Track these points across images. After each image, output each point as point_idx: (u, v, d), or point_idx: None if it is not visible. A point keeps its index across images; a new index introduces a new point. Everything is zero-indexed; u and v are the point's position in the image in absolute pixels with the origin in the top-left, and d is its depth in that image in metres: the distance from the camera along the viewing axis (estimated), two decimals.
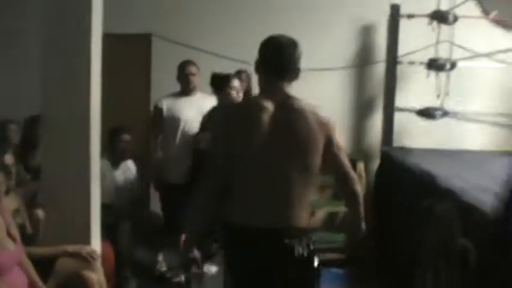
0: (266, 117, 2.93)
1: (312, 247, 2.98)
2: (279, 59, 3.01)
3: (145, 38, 6.79)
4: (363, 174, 6.67)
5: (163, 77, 6.30)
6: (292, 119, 2.94)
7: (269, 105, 2.96)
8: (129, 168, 5.81)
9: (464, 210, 3.82)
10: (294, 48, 3.01)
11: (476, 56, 6.27)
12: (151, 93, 6.72)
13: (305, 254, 2.94)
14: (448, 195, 4.17)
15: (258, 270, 2.92)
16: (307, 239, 2.98)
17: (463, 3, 6.35)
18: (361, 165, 6.70)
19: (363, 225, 3.21)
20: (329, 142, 2.98)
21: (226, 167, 2.98)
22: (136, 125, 6.17)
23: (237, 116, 3.10)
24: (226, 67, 5.68)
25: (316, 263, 3.05)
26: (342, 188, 3.20)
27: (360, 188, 3.16)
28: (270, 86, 3.04)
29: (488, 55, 6.21)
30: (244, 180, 2.97)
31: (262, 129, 2.92)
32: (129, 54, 6.75)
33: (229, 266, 3.09)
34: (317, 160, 2.96)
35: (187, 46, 6.62)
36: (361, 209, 3.19)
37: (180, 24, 6.79)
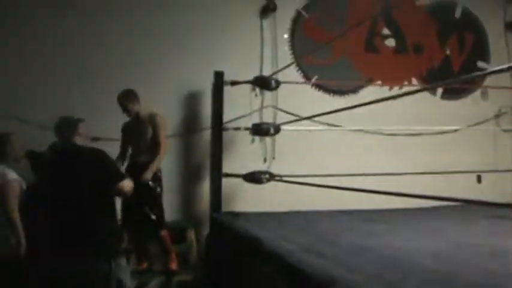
0: None
1: None
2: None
3: None
4: (194, 242, 6.59)
5: None
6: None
7: None
8: None
9: (289, 272, 3.82)
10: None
11: (301, 119, 6.40)
12: None
13: None
14: (274, 258, 4.17)
15: None
16: None
17: (283, 69, 6.56)
18: (191, 233, 6.63)
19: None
20: None
21: None
22: None
23: None
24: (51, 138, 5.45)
25: None
26: None
27: None
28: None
29: (310, 118, 6.34)
30: None
31: None
32: None
33: None
34: None
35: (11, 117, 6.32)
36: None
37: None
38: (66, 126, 4.39)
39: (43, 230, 4.25)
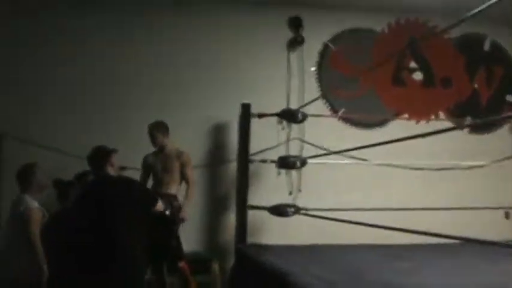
0: None
1: None
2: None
3: None
4: (218, 273, 6.56)
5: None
6: None
7: None
8: None
9: None
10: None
11: (328, 153, 6.37)
12: (3, 194, 6.43)
13: None
14: None
15: None
16: None
17: (310, 102, 6.54)
18: (215, 265, 6.60)
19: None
20: None
21: None
22: None
23: None
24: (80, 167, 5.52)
25: None
26: None
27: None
28: None
29: (339, 153, 6.29)
30: None
31: None
32: None
33: None
34: None
35: (40, 146, 6.43)
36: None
37: (31, 124, 6.61)
38: (100, 156, 4.48)
39: (67, 258, 4.26)
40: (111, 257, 4.08)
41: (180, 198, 6.21)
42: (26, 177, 5.18)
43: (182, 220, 6.03)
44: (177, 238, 6.07)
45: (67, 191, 4.95)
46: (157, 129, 6.18)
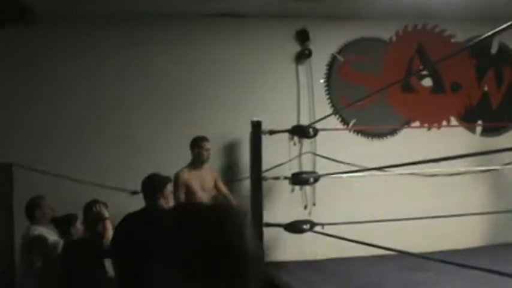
0: None
1: None
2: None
3: (6, 168, 6.55)
4: None
5: None
6: None
7: None
8: None
9: None
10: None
11: (344, 172, 6.33)
12: (15, 224, 6.37)
13: None
14: None
15: None
16: None
17: (322, 119, 6.51)
18: None
19: None
20: None
21: None
22: None
23: None
24: (92, 194, 5.55)
25: None
26: None
27: None
28: None
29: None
30: None
31: None
32: None
33: None
34: None
35: (51, 174, 6.45)
36: None
37: (42, 153, 6.64)
38: (154, 186, 4.20)
39: None
40: None
41: None
42: (31, 210, 5.30)
43: None
44: None
45: (66, 226, 5.00)
46: (203, 142, 6.22)
